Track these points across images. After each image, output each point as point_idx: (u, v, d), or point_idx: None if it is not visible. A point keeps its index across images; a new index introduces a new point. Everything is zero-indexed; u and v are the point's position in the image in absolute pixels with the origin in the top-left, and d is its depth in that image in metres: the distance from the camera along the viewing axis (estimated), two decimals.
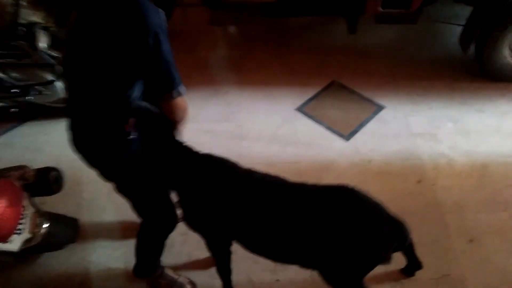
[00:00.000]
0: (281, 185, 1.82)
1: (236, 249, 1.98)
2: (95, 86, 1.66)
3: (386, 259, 1.78)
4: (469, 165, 2.89)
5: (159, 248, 2.23)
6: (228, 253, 2.06)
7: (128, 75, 1.62)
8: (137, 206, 2.10)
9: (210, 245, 2.05)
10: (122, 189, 2.04)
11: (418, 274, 2.26)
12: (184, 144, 1.83)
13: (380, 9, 3.34)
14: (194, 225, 1.94)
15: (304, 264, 1.83)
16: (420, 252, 2.22)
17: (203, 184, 1.79)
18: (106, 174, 1.93)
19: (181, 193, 1.87)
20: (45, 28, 2.88)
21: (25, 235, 2.00)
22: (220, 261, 2.12)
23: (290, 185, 1.82)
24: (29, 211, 2.04)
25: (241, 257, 2.08)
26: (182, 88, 1.67)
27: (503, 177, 2.80)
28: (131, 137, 1.74)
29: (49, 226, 2.13)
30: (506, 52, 3.34)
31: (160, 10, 1.60)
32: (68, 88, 1.82)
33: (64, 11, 3.01)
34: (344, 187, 1.78)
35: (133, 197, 2.05)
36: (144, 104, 1.71)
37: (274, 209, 1.74)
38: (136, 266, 2.25)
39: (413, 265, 2.23)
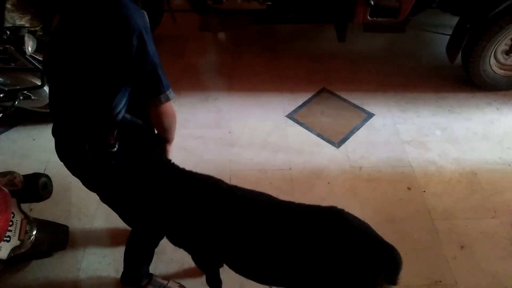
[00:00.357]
0: (266, 204, 1.73)
1: None
2: (78, 92, 1.59)
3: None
4: (458, 172, 2.92)
5: (148, 255, 2.21)
6: (215, 266, 2.04)
7: (112, 79, 1.54)
8: (121, 216, 2.08)
9: (195, 260, 2.03)
10: (104, 200, 2.03)
11: (410, 281, 2.27)
12: (167, 160, 1.80)
13: (369, 18, 3.38)
14: (175, 242, 1.89)
15: (288, 287, 1.74)
16: (411, 258, 2.23)
17: (185, 202, 1.72)
18: (88, 183, 1.91)
19: (163, 210, 1.79)
20: (32, 32, 2.83)
21: (14, 242, 1.95)
22: (208, 274, 2.10)
23: (275, 205, 1.73)
24: (17, 218, 2.00)
25: None
26: (170, 93, 1.60)
27: (492, 184, 2.83)
28: (114, 149, 1.68)
29: (38, 233, 2.09)
30: (492, 61, 3.40)
31: (144, 11, 1.54)
32: (50, 93, 1.75)
33: (50, 14, 2.98)
34: (332, 209, 1.68)
35: (116, 208, 2.04)
36: (130, 117, 1.67)
37: (258, 230, 1.65)
38: (123, 275, 2.22)
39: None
